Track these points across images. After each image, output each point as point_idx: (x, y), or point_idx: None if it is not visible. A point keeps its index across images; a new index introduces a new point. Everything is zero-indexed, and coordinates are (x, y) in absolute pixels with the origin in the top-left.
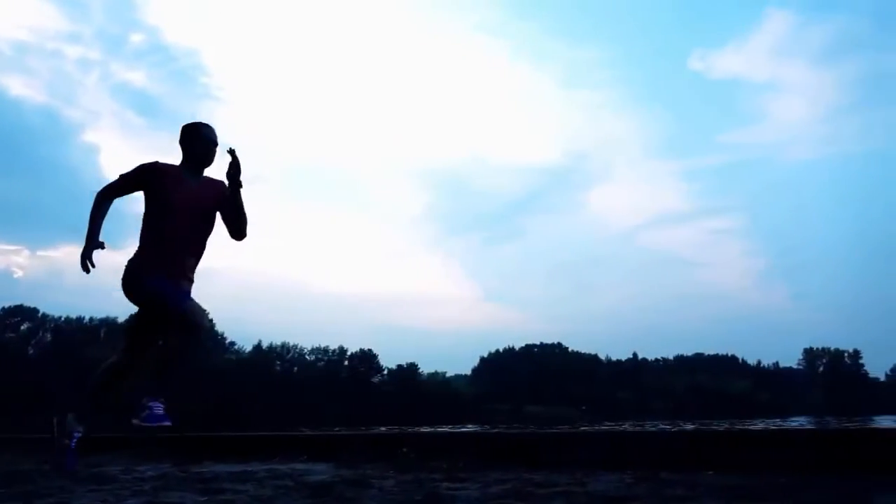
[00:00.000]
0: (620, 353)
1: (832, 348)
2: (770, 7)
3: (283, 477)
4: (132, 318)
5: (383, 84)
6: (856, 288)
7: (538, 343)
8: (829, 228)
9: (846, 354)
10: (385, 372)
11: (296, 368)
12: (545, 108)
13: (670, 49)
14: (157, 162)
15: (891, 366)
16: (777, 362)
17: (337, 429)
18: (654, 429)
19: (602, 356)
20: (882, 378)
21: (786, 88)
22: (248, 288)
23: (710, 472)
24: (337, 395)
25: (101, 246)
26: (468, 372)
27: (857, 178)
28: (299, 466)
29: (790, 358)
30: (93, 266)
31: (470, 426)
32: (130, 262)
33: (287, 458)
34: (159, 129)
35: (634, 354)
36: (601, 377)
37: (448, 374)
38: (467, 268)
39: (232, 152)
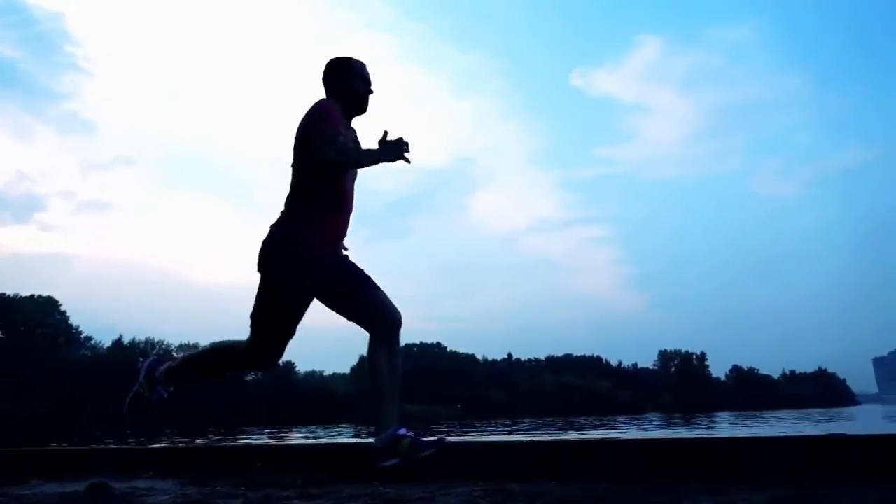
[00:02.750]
0: (496, 353)
1: (683, 350)
2: (643, 35)
3: (117, 499)
4: (268, 301)
5: (269, 73)
6: (704, 295)
7: (418, 343)
8: (684, 242)
9: (694, 357)
10: None
11: None
12: (434, 110)
13: (555, 65)
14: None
15: (730, 367)
16: (636, 363)
17: (210, 434)
18: (510, 440)
19: (479, 356)
20: (723, 378)
21: (653, 111)
22: (108, 276)
23: (555, 482)
24: (207, 394)
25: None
26: (347, 371)
27: (710, 197)
28: (141, 485)
29: (647, 359)
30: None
31: (345, 426)
32: (292, 224)
33: (130, 474)
34: (9, 100)
35: (509, 355)
36: (477, 376)
37: (326, 373)
38: None
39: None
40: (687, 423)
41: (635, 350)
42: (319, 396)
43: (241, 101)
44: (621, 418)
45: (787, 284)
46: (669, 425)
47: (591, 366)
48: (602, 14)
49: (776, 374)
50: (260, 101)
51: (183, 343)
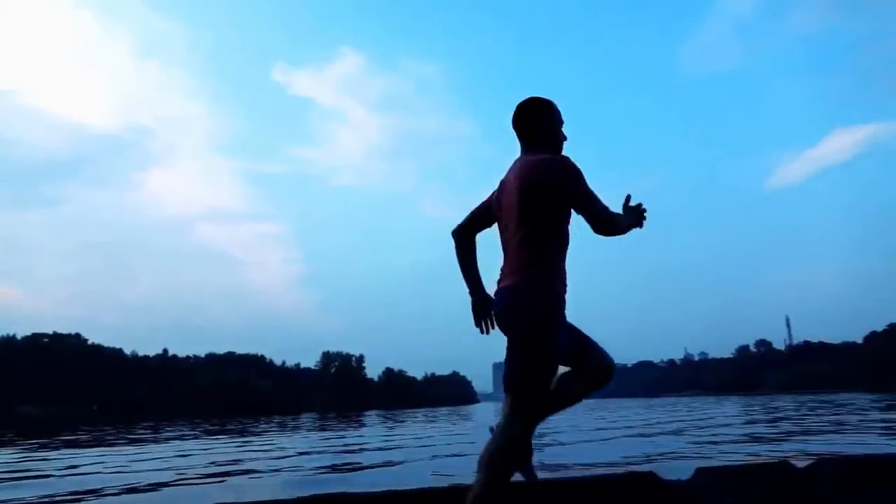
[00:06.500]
0: (150, 349)
1: (344, 352)
2: (346, 46)
3: None
4: (542, 365)
5: None
6: (368, 300)
7: (51, 333)
8: (356, 249)
9: (354, 358)
10: None
11: None
12: (109, 68)
13: (258, 54)
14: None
15: (383, 368)
16: (299, 363)
17: None
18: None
19: (128, 351)
20: (376, 379)
21: (346, 121)
22: None
23: None
24: None
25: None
26: None
27: (384, 211)
28: None
29: (311, 359)
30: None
31: None
32: (544, 282)
33: None
34: None
35: (165, 350)
36: (124, 373)
37: None
38: None
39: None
40: (337, 426)
41: (300, 350)
42: None
43: None
44: (276, 418)
45: (433, 297)
46: (321, 428)
47: (254, 364)
48: (312, 14)
49: (420, 376)
50: None
51: None
